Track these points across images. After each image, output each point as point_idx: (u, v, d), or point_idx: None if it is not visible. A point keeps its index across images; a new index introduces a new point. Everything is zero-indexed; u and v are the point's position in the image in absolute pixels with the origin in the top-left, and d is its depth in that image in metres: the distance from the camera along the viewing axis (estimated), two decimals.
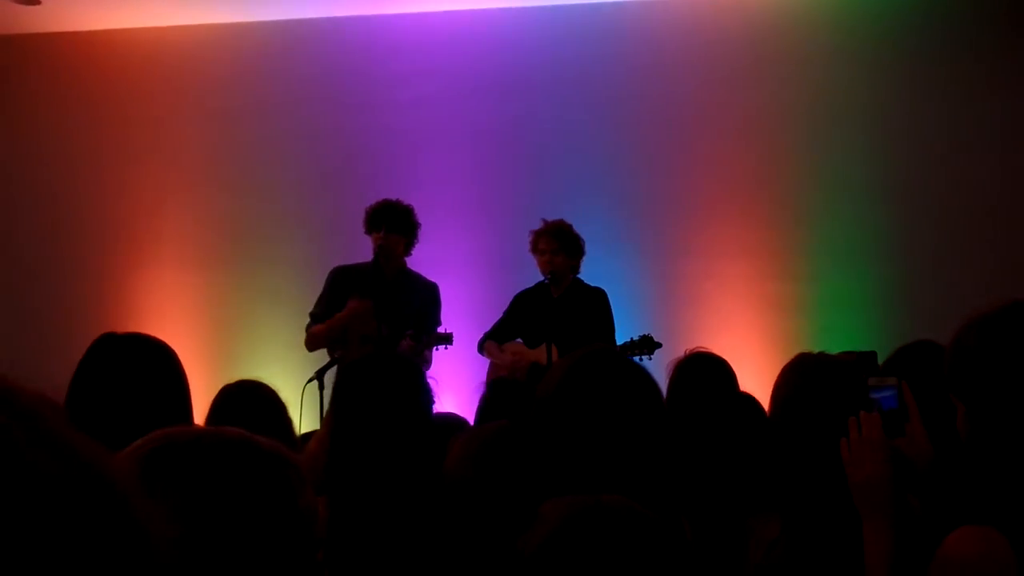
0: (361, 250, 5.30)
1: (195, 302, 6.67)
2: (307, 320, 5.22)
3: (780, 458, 2.14)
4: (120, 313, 6.35)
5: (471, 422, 3.79)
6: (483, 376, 5.50)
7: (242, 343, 6.57)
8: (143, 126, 6.86)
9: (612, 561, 1.26)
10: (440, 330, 5.05)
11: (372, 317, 4.83)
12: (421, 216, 5.28)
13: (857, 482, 1.96)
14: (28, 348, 6.30)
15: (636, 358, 4.99)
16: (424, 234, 5.29)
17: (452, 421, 3.45)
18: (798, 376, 2.21)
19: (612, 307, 5.39)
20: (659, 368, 4.34)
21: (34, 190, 6.80)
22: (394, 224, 5.10)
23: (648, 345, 5.05)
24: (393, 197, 5.26)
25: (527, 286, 5.51)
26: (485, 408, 3.32)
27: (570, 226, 5.39)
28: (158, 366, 2.34)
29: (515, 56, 6.81)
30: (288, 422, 3.21)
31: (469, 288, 6.16)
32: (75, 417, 2.23)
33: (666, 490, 2.06)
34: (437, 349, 5.01)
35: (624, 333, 5.34)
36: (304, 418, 4.84)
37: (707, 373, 3.42)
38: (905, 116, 6.62)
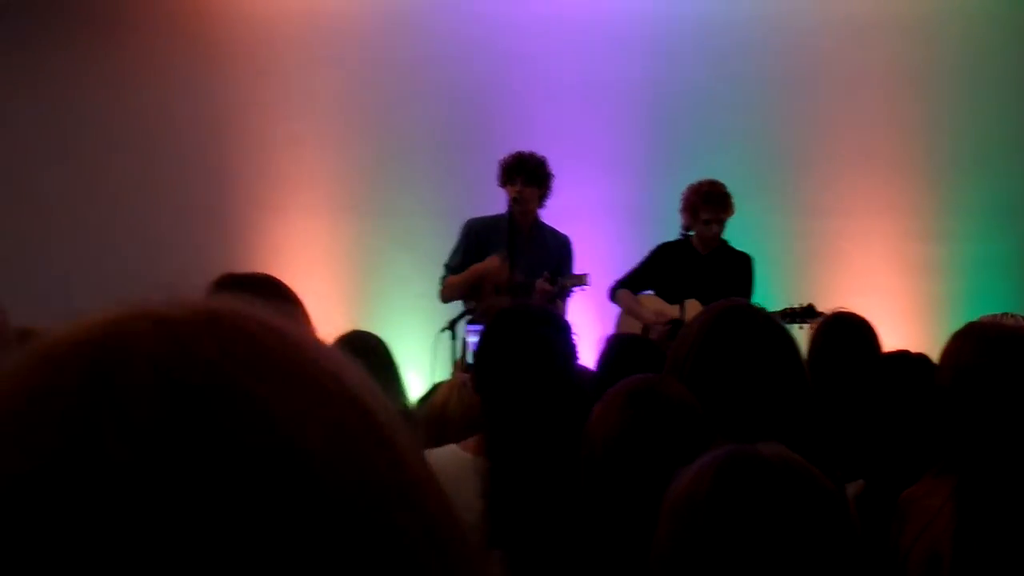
0: (494, 200, 5.27)
1: (329, 249, 6.77)
2: (440, 270, 5.24)
3: (956, 428, 2.05)
4: (254, 257, 6.49)
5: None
6: (611, 326, 5.44)
7: (374, 291, 6.66)
8: (279, 75, 6.97)
9: (770, 508, 1.20)
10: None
11: (508, 272, 4.83)
12: (553, 167, 5.23)
13: None
14: (162, 287, 6.47)
15: (795, 325, 4.87)
16: (557, 185, 5.24)
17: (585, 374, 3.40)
18: (979, 346, 2.08)
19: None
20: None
21: (174, 135, 6.98)
22: (530, 176, 5.06)
23: (810, 314, 4.92)
24: (526, 147, 5.22)
25: (658, 240, 5.39)
26: (607, 363, 3.24)
27: (724, 187, 5.18)
28: (279, 304, 2.31)
29: (655, 9, 6.66)
30: (396, 376, 3.35)
31: (597, 240, 6.08)
32: None
33: (812, 450, 1.99)
34: (572, 293, 4.99)
35: (760, 293, 5.20)
36: (435, 368, 4.88)
37: (850, 335, 3.31)
38: None
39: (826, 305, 4.57)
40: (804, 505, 1.21)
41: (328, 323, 3.12)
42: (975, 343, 2.08)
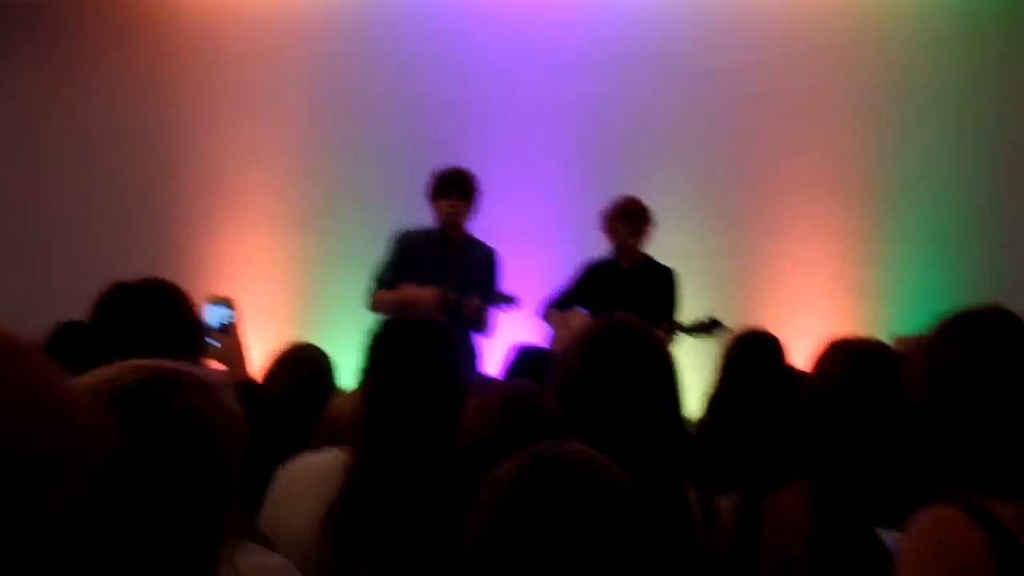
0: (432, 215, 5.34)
1: (277, 264, 6.82)
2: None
3: (817, 436, 2.18)
4: (203, 273, 6.55)
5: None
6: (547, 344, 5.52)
7: (320, 306, 6.71)
8: (231, 90, 7.01)
9: (561, 506, 1.24)
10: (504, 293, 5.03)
11: (439, 309, 4.80)
12: (503, 186, 5.30)
13: None
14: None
15: (702, 338, 4.99)
16: (491, 203, 5.30)
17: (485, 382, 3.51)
18: (841, 359, 2.24)
19: (684, 285, 5.37)
20: None
21: (121, 149, 7.00)
22: (462, 191, 5.11)
23: (703, 328, 4.99)
24: (478, 166, 5.26)
25: (592, 257, 5.48)
26: (510, 373, 3.36)
27: (640, 201, 5.36)
28: (161, 312, 2.33)
29: (605, 33, 6.80)
30: (330, 382, 3.39)
31: (532, 258, 6.17)
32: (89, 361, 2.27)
33: (674, 458, 2.12)
34: (500, 308, 4.99)
35: (697, 310, 5.30)
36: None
37: (755, 351, 3.44)
38: (996, 103, 6.45)
39: (762, 322, 4.66)
40: (594, 505, 1.24)
41: (273, 339, 3.21)
42: (838, 356, 2.23)
